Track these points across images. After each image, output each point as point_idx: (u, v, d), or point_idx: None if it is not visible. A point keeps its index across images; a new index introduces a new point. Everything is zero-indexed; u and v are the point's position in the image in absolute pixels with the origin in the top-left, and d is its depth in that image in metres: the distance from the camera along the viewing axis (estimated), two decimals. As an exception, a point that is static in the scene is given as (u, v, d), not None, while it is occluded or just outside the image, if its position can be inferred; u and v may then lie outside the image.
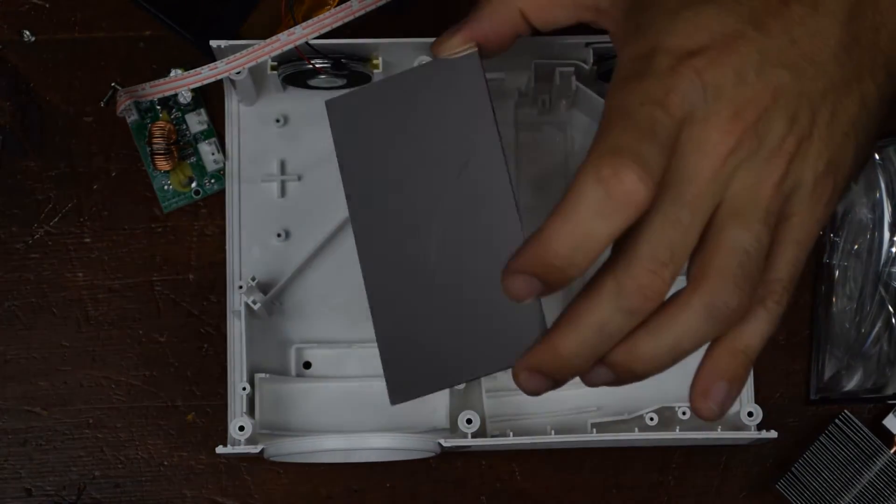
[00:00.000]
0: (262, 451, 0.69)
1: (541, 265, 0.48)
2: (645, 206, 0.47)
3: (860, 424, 0.73)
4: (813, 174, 0.50)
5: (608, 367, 0.51)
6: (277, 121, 0.75)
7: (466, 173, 0.59)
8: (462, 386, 0.71)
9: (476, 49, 0.59)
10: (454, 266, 0.58)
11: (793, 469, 0.73)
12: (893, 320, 0.74)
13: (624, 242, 0.48)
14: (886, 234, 0.74)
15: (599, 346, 0.49)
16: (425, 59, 0.66)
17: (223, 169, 0.75)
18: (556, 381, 0.51)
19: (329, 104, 0.62)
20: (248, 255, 0.74)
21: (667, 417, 0.71)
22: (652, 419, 0.71)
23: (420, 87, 0.60)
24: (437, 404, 0.72)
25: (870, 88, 0.51)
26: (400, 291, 0.59)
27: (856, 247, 0.75)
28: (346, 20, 0.67)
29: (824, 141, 0.50)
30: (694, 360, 0.74)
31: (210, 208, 0.76)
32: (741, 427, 0.71)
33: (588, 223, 0.47)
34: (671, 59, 0.48)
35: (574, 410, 0.73)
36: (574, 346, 0.50)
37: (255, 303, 0.71)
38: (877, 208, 0.75)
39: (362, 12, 0.68)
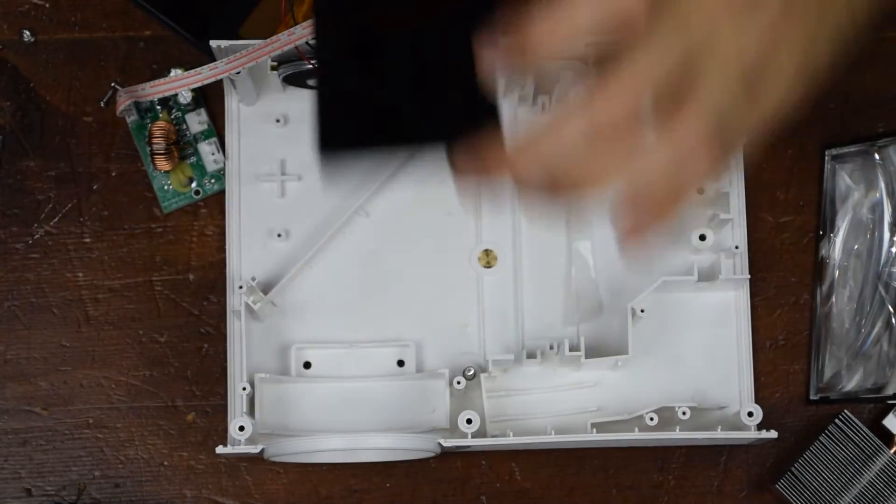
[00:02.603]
0: (262, 451, 0.69)
1: (518, 33, 0.49)
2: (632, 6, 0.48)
3: (860, 424, 0.73)
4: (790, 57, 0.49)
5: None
6: (277, 121, 0.75)
7: None
8: (462, 385, 0.71)
9: None
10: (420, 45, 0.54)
11: (793, 469, 0.73)
12: (893, 320, 0.74)
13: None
14: (886, 234, 0.74)
15: (552, 145, 0.49)
16: None
17: (223, 169, 0.75)
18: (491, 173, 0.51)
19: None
20: (248, 255, 0.74)
21: (667, 417, 0.71)
22: (652, 419, 0.71)
23: None
24: (437, 404, 0.72)
25: None
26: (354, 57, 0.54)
27: (856, 247, 0.75)
28: (346, 20, 0.67)
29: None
30: (695, 359, 0.74)
31: (210, 208, 0.76)
32: (741, 427, 0.71)
33: (574, 7, 0.48)
34: None
35: (574, 410, 0.73)
36: (533, 144, 0.49)
37: (255, 303, 0.71)
38: (877, 208, 0.75)
39: (362, 12, 0.68)
